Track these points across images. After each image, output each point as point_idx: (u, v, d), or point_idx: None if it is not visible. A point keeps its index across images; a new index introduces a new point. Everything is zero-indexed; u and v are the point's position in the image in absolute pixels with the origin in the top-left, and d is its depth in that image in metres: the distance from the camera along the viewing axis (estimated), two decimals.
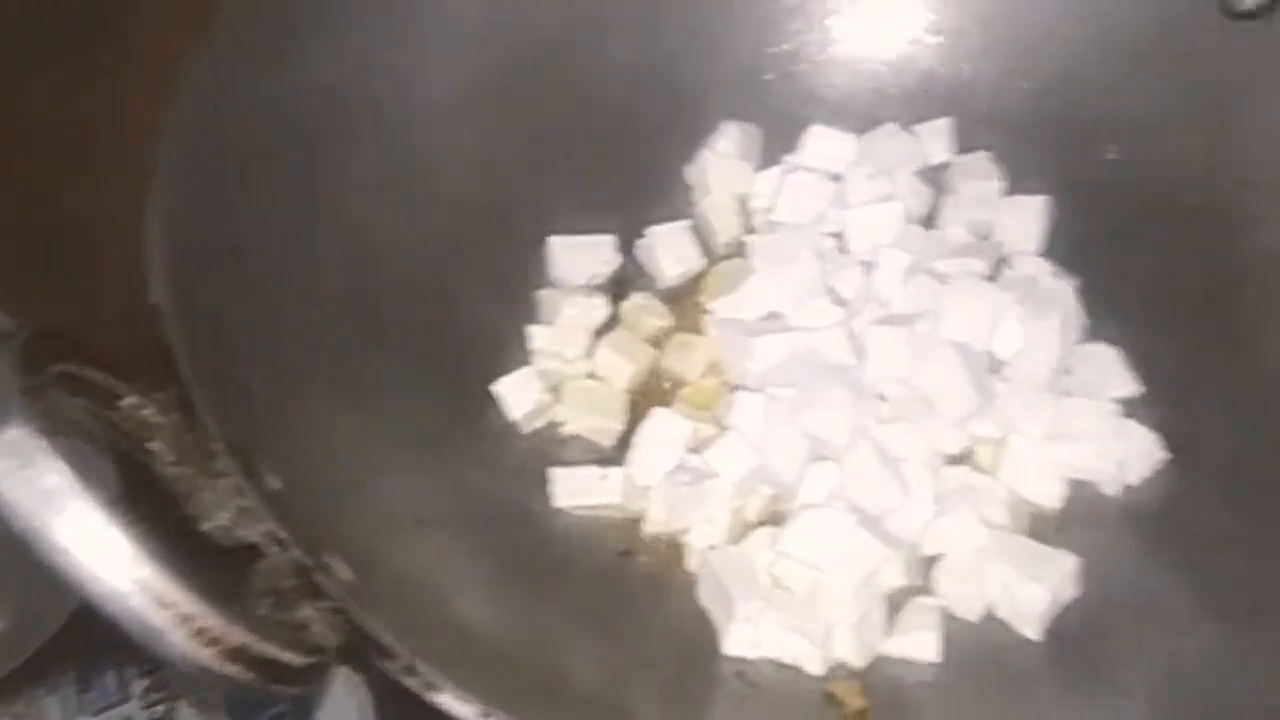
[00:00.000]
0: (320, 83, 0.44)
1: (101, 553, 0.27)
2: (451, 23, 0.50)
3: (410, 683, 0.30)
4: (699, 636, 0.44)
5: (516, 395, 0.49)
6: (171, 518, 0.31)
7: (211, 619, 0.27)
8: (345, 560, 0.33)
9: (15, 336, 0.28)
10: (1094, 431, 0.47)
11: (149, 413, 0.32)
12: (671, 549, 0.47)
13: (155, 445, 0.32)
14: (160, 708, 0.63)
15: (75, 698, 0.63)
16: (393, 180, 0.47)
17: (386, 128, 0.47)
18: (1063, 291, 0.50)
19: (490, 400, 0.49)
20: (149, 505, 0.30)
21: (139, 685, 0.63)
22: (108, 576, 0.27)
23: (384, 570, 0.36)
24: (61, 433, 0.26)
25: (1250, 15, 0.48)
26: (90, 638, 0.65)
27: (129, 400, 0.32)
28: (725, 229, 0.55)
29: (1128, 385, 0.49)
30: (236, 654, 0.28)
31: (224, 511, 0.31)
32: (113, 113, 0.56)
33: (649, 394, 0.51)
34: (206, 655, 0.28)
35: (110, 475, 0.37)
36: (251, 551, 0.32)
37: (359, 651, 0.31)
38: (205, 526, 0.32)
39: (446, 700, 0.30)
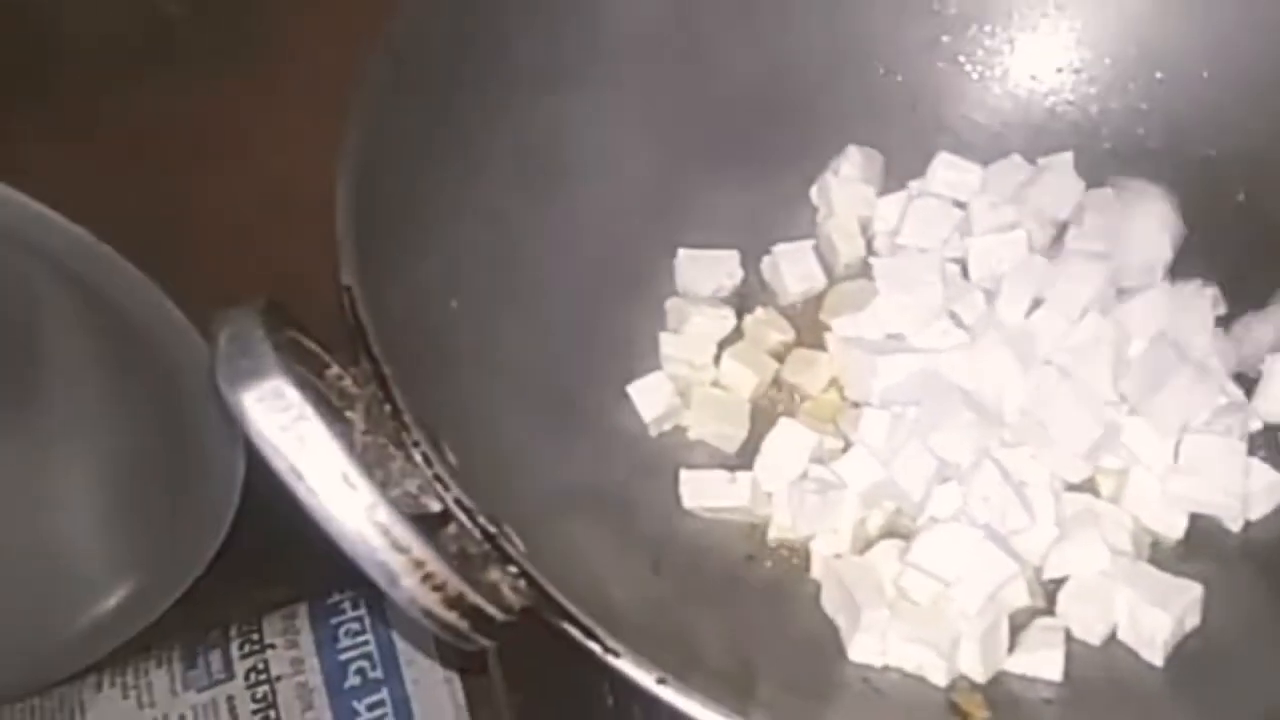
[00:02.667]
0: (496, 80, 0.46)
1: (347, 496, 0.29)
2: (617, 31, 0.52)
3: (592, 646, 0.32)
4: (824, 640, 0.45)
5: (649, 398, 0.51)
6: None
7: (437, 565, 0.29)
8: (517, 532, 0.34)
9: (256, 300, 0.30)
10: (1219, 468, 0.47)
11: (348, 384, 0.34)
12: (795, 555, 0.48)
13: (352, 415, 0.34)
14: (263, 689, 0.64)
15: (181, 673, 0.65)
16: (546, 179, 0.49)
17: (541, 128, 0.49)
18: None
19: (624, 401, 0.51)
20: None
21: (243, 666, 0.65)
22: (352, 519, 0.29)
23: (547, 545, 0.37)
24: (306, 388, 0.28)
25: None
26: (198, 617, 0.67)
27: (334, 370, 0.34)
28: (847, 251, 0.57)
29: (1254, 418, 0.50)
30: (454, 601, 0.29)
31: (411, 480, 0.33)
32: (267, 118, 0.59)
33: (770, 406, 0.52)
34: (432, 599, 0.29)
35: None
36: (435, 519, 0.33)
37: (541, 615, 0.32)
38: (391, 495, 0.33)
39: (626, 665, 0.31)
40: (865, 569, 0.46)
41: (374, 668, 0.66)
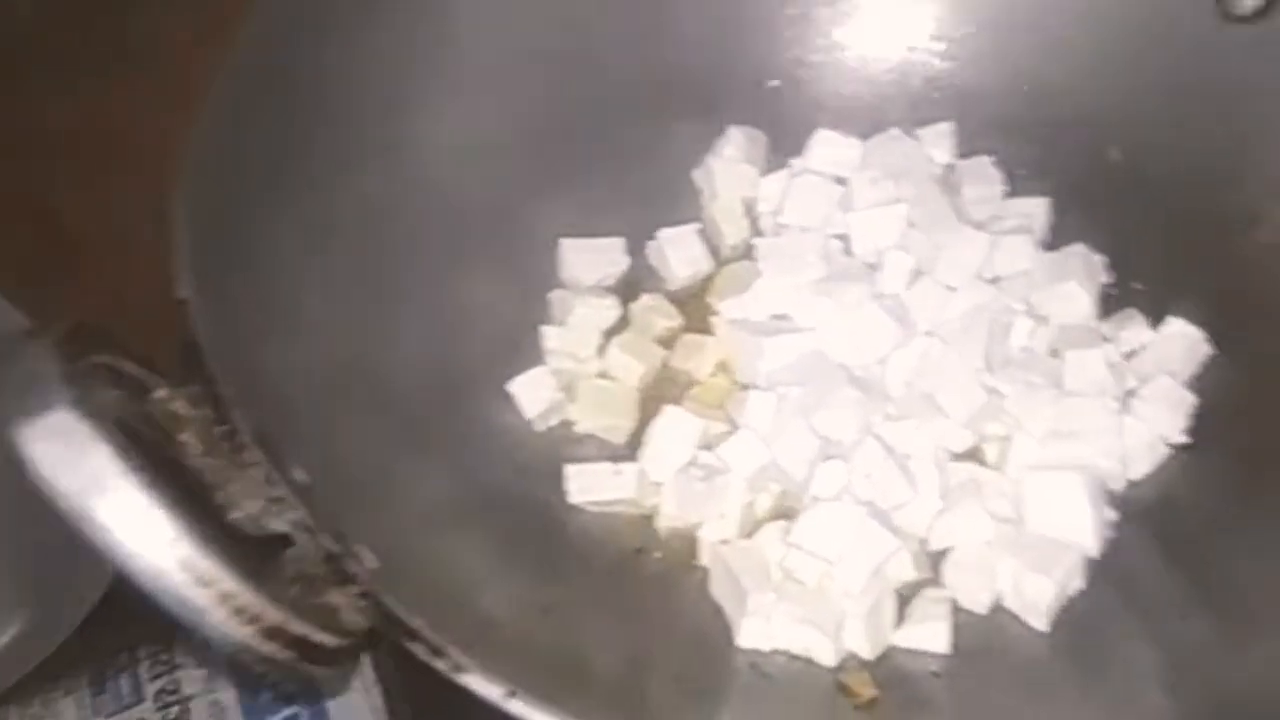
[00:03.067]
0: (342, 80, 0.45)
1: (144, 532, 0.28)
2: (466, 22, 0.51)
3: (439, 665, 0.31)
4: (713, 629, 0.45)
5: (531, 394, 0.50)
6: (202, 507, 0.31)
7: (249, 597, 0.28)
8: (371, 549, 0.34)
9: (56, 327, 0.29)
10: (1098, 429, 0.48)
11: (179, 405, 0.33)
12: (685, 544, 0.48)
13: (185, 437, 0.32)
14: (174, 709, 0.63)
15: (89, 700, 0.63)
16: (409, 179, 0.48)
17: (402, 123, 0.48)
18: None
19: (506, 399, 0.50)
20: (180, 496, 0.31)
21: (153, 688, 0.64)
22: (150, 555, 0.28)
23: (408, 560, 0.36)
24: (102, 418, 0.27)
25: (1247, 18, 0.50)
26: (105, 641, 0.65)
27: (160, 393, 0.32)
28: (732, 232, 0.56)
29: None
30: (273, 633, 0.28)
31: (252, 501, 0.32)
32: (135, 122, 0.57)
33: (659, 393, 0.52)
34: (245, 633, 0.28)
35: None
36: (278, 541, 0.33)
37: (387, 636, 0.31)
38: (232, 517, 0.33)
39: (474, 681, 0.31)
40: (752, 553, 0.46)
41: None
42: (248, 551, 0.32)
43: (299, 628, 0.29)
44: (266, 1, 0.43)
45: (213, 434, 0.32)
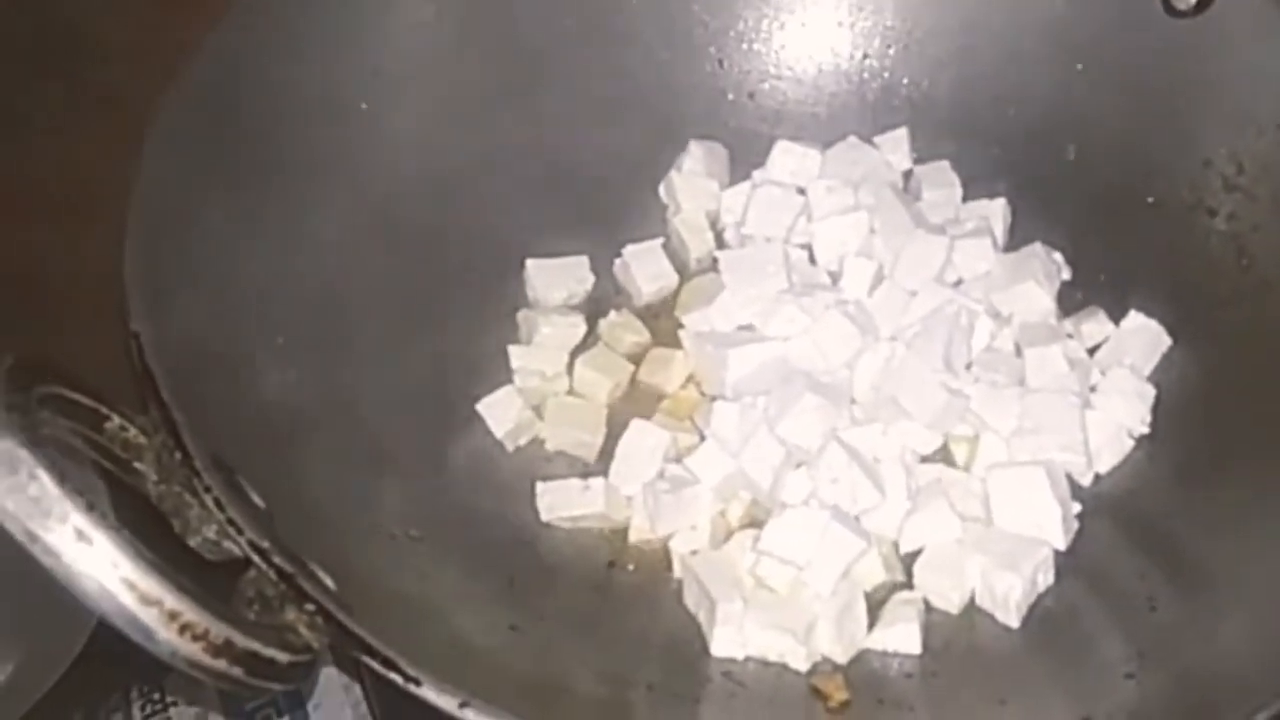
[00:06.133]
0: (291, 115, 0.46)
1: (88, 555, 0.28)
2: (419, 53, 0.52)
3: (394, 677, 0.31)
4: (688, 640, 0.45)
5: (499, 414, 0.50)
6: (161, 534, 0.32)
7: (196, 614, 0.28)
8: (329, 571, 0.34)
9: (2, 360, 0.30)
10: (1060, 424, 0.48)
11: (133, 434, 0.33)
12: (658, 556, 0.48)
13: (141, 465, 0.33)
14: None
15: None
16: (369, 206, 0.49)
17: (359, 154, 0.49)
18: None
19: (477, 419, 0.50)
20: (139, 522, 0.31)
21: None
22: (96, 576, 0.28)
23: (373, 580, 0.37)
24: (47, 446, 0.28)
25: (1189, 13, 0.50)
26: (96, 681, 0.65)
27: (114, 423, 0.33)
28: (697, 245, 0.57)
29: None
30: (222, 649, 0.29)
31: (209, 526, 0.33)
32: (98, 169, 0.58)
33: (630, 408, 0.52)
34: (194, 649, 0.29)
35: (101, 491, 0.39)
36: (239, 565, 0.33)
37: (344, 650, 0.32)
38: (193, 542, 0.33)
39: (427, 693, 0.31)
40: (722, 562, 0.46)
41: (280, 714, 0.65)
42: (209, 577, 0.32)
43: (247, 643, 0.29)
44: (213, 42, 0.43)
45: (168, 461, 0.33)
